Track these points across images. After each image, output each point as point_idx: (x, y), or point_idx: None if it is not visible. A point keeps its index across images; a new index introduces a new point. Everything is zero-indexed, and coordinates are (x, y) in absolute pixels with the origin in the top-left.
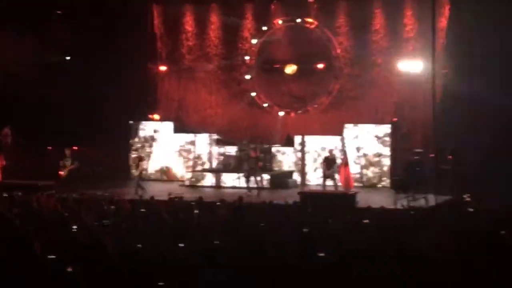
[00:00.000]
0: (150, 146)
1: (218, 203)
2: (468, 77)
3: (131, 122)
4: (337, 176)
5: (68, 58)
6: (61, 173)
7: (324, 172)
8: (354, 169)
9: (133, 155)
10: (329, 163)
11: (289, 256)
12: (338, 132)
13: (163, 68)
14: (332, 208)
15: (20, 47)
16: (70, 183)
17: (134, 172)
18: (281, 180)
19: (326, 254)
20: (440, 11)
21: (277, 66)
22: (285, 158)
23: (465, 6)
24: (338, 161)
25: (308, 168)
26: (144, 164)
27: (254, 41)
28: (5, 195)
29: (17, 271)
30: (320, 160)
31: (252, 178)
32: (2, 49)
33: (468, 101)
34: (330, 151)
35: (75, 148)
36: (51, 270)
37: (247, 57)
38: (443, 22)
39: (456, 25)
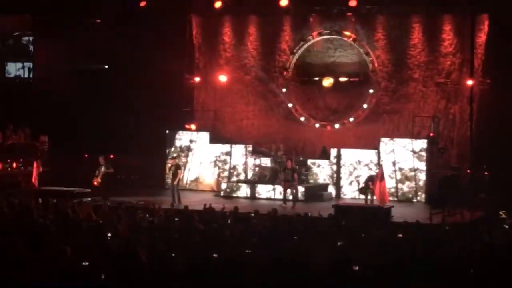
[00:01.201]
0: (186, 156)
1: (252, 214)
2: (506, 93)
3: (167, 131)
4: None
5: (106, 67)
6: (95, 181)
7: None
8: (389, 183)
9: (169, 163)
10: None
11: (322, 268)
12: (374, 145)
13: (200, 78)
14: (367, 221)
15: (59, 55)
16: (104, 190)
17: (170, 181)
18: (316, 192)
19: (360, 268)
20: (479, 26)
21: (315, 79)
22: (321, 170)
23: (504, 22)
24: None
25: (343, 181)
26: (181, 173)
27: (291, 54)
28: (40, 201)
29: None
30: (356, 173)
31: (288, 190)
32: (40, 57)
33: (506, 116)
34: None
35: (111, 156)
36: (85, 276)
37: (284, 70)
38: (482, 38)
39: (495, 40)
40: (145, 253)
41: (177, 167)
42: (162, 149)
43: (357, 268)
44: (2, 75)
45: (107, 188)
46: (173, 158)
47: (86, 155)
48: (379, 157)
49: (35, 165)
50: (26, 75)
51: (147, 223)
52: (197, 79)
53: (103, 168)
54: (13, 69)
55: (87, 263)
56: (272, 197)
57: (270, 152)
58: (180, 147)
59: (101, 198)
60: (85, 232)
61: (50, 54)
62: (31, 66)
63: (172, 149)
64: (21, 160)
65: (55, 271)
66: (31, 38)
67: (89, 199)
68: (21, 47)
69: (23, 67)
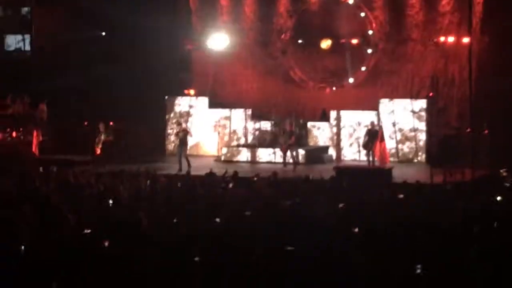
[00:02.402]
0: (186, 121)
1: (254, 178)
2: (505, 51)
3: (166, 97)
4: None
5: (103, 33)
6: (97, 148)
7: (366, 145)
8: (389, 144)
9: (176, 129)
10: (371, 136)
11: (322, 230)
12: (374, 107)
13: (198, 43)
14: (368, 183)
15: (57, 24)
16: (105, 158)
17: (176, 147)
18: (316, 155)
19: (361, 229)
20: None
21: (313, 41)
22: (321, 133)
23: None
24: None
25: (344, 143)
26: (189, 139)
27: (289, 16)
28: (41, 170)
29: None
30: (356, 135)
31: (288, 153)
32: (39, 26)
33: (505, 75)
34: (372, 124)
35: (111, 123)
36: (87, 244)
37: (282, 32)
38: None
39: None
40: (147, 220)
41: (186, 133)
42: (162, 115)
43: (356, 230)
44: (1, 48)
45: (107, 155)
46: (180, 123)
47: (85, 123)
48: (378, 119)
49: (34, 134)
50: (27, 48)
51: (149, 190)
52: (195, 44)
53: (103, 136)
54: (13, 41)
55: (89, 231)
56: (273, 160)
57: (270, 116)
58: (180, 112)
59: (98, 165)
60: (87, 199)
61: (48, 23)
62: (30, 38)
63: (172, 115)
64: (21, 129)
65: (60, 238)
66: (29, 9)
67: (90, 166)
68: (20, 19)
69: (23, 40)
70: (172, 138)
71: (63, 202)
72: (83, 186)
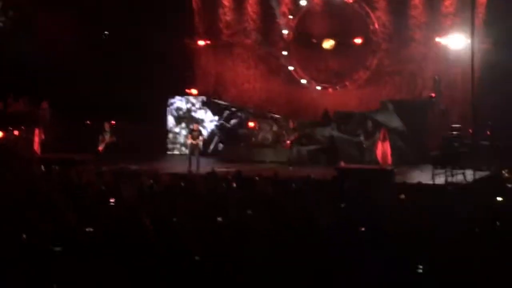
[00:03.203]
0: (188, 121)
1: (257, 178)
2: (507, 53)
3: (168, 96)
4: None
5: (106, 33)
6: (100, 147)
7: (361, 143)
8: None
9: (191, 127)
10: (368, 134)
11: (324, 230)
12: (376, 107)
13: (200, 43)
14: (370, 183)
15: (59, 22)
16: (108, 157)
17: (189, 146)
18: (318, 154)
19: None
20: None
21: (315, 41)
22: (323, 132)
23: None
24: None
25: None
26: (202, 138)
27: (291, 16)
28: (43, 169)
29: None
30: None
31: (293, 150)
32: (41, 23)
33: (507, 76)
34: (370, 124)
35: (113, 122)
36: (88, 242)
37: (285, 32)
38: None
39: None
40: (149, 219)
41: (200, 133)
42: (164, 115)
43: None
44: (4, 49)
45: (110, 154)
46: (197, 122)
47: (87, 122)
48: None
49: (36, 132)
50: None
51: (151, 189)
52: (198, 43)
53: (107, 135)
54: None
55: (91, 229)
56: (275, 160)
57: (273, 116)
58: (182, 111)
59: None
60: (89, 198)
61: (52, 23)
62: (34, 38)
63: (175, 114)
64: (23, 127)
65: (62, 237)
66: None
67: (91, 165)
68: (24, 20)
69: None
70: (188, 140)
71: (65, 201)
72: (85, 185)
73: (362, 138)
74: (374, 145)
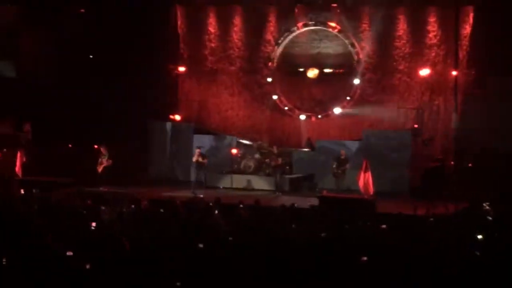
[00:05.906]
0: (171, 146)
1: (241, 206)
2: (490, 84)
3: (150, 122)
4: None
5: (91, 56)
6: (98, 169)
7: (333, 171)
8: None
9: (197, 151)
10: (340, 163)
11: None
12: (359, 136)
13: (184, 69)
14: (351, 213)
15: (43, 45)
16: (103, 180)
17: (196, 169)
18: (301, 183)
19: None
20: (463, 18)
21: (300, 70)
22: (306, 161)
23: (489, 13)
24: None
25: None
26: (205, 162)
27: (276, 45)
28: (23, 191)
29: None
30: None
31: (277, 177)
32: (25, 47)
33: (489, 108)
34: (343, 152)
35: (95, 146)
36: (69, 266)
37: (269, 60)
38: (467, 29)
39: (480, 32)
40: (129, 243)
41: (204, 156)
42: (145, 140)
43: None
44: None
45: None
46: (199, 147)
47: (70, 145)
48: (363, 149)
49: (18, 154)
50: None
51: (131, 213)
52: (181, 69)
53: (105, 158)
54: None
55: (71, 253)
56: (256, 187)
57: (254, 143)
58: (165, 137)
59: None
60: (69, 222)
61: (34, 46)
62: (15, 62)
63: (157, 139)
64: (5, 150)
65: (39, 262)
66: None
67: (73, 189)
68: (5, 43)
69: (8, 63)
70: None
71: (44, 225)
72: (66, 209)
73: (334, 166)
74: (344, 174)
